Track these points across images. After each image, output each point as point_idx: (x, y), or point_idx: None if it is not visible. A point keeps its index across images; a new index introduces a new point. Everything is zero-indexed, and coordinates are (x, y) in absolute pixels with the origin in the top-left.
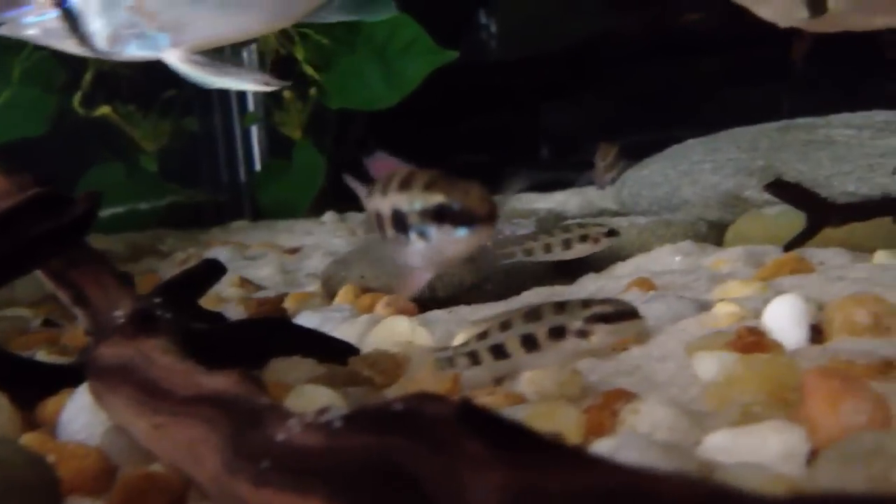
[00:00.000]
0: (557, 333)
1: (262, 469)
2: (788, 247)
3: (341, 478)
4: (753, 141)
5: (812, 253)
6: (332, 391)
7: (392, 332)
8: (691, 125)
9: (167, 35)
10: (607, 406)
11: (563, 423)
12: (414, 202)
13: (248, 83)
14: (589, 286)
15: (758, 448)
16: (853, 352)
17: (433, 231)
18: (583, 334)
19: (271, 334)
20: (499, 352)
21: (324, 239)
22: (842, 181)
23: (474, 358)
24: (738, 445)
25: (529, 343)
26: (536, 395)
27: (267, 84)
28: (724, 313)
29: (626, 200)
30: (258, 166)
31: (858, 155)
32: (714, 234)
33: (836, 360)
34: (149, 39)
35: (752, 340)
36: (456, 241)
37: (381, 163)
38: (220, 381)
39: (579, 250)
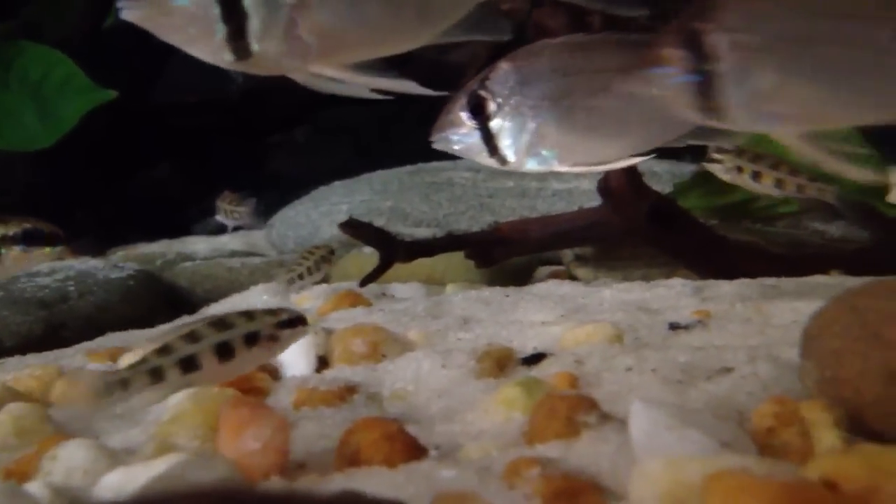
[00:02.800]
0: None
1: None
2: (363, 282)
3: None
4: (386, 183)
5: (393, 287)
6: None
7: None
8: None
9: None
10: (39, 453)
11: None
12: None
13: None
14: (162, 328)
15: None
16: (330, 379)
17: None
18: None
19: None
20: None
21: None
22: (457, 220)
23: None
24: (128, 482)
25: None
26: None
27: None
28: None
29: (275, 241)
30: None
31: (472, 196)
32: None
33: (304, 388)
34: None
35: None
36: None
37: None
38: None
39: (323, 271)
